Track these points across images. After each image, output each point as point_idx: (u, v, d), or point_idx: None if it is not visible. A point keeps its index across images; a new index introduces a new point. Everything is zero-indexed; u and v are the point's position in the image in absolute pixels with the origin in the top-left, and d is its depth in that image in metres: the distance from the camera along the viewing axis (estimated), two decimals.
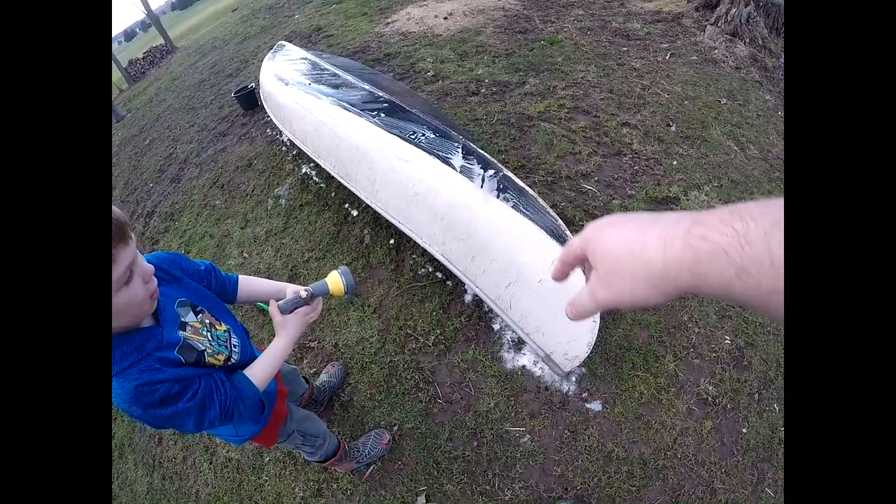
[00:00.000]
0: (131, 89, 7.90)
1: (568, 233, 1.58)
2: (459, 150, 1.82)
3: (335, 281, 0.98)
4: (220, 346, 0.89)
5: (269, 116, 3.65)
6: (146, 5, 9.31)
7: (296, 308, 0.96)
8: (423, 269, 2.05)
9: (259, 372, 0.91)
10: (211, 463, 1.78)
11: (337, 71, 2.67)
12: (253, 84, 4.04)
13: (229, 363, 0.89)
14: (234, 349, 0.92)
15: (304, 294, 0.96)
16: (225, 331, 0.92)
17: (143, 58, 9.23)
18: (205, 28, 11.66)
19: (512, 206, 1.56)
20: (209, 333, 0.87)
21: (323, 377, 1.77)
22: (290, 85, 2.43)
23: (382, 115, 2.01)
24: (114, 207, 0.66)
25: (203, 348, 0.83)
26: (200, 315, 0.88)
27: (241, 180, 3.13)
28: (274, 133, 3.44)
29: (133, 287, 0.70)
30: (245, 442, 1.07)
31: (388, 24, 5.05)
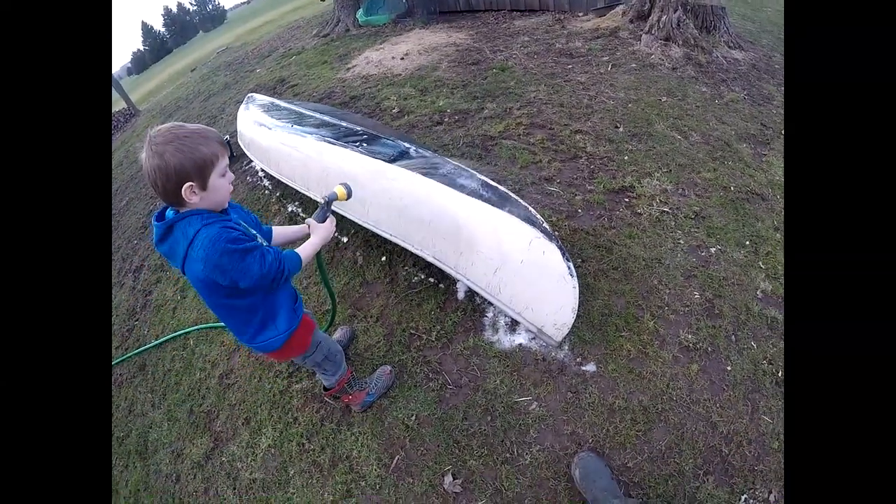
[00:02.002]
0: None
1: (539, 216, 1.79)
2: (438, 164, 2.04)
3: (340, 189, 1.42)
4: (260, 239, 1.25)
5: (248, 164, 3.83)
6: None
7: (323, 214, 1.37)
8: (416, 278, 2.21)
9: (301, 251, 1.27)
10: (234, 488, 1.81)
11: (313, 113, 2.89)
12: (227, 136, 4.21)
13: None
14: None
15: (322, 200, 1.38)
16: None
17: None
18: (165, 90, 11.84)
19: (489, 203, 1.77)
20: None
21: (336, 335, 2.05)
22: (273, 129, 2.63)
23: (364, 144, 2.22)
24: (214, 130, 1.09)
25: (253, 234, 1.19)
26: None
27: None
28: (255, 179, 3.60)
29: (227, 178, 1.10)
30: (288, 337, 1.32)
31: (348, 69, 5.38)
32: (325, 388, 1.67)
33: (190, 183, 1.02)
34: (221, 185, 1.09)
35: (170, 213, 1.10)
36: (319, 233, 1.35)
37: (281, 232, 1.46)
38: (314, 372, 1.97)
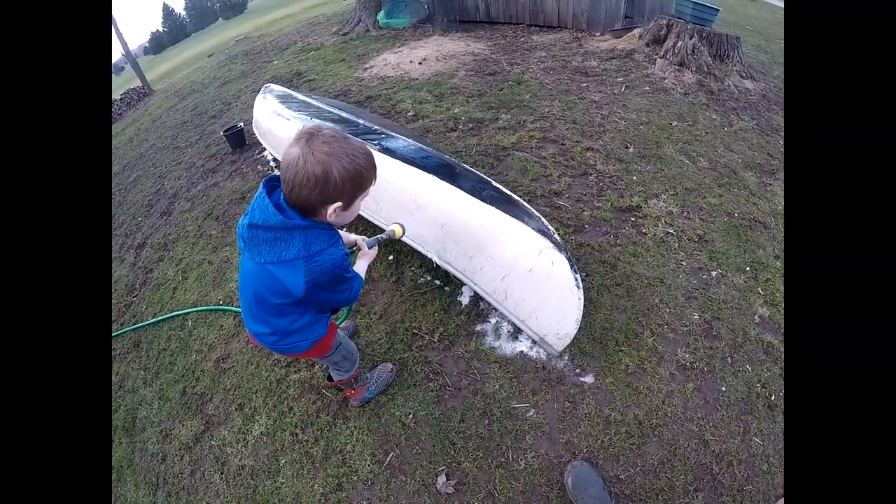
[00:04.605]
0: None
1: (551, 228, 1.81)
2: (454, 169, 2.06)
3: (397, 228, 1.51)
4: None
5: (260, 153, 3.86)
6: (124, 46, 9.42)
7: (375, 243, 1.44)
8: (422, 279, 2.22)
9: (361, 272, 1.31)
10: (222, 473, 1.80)
11: (331, 109, 2.92)
12: (241, 124, 4.24)
13: None
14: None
15: (383, 237, 1.48)
16: None
17: (120, 99, 9.24)
18: (181, 73, 11.88)
19: (502, 211, 1.79)
20: None
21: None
22: (291, 120, 2.65)
23: (383, 143, 2.25)
24: (370, 151, 1.01)
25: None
26: None
27: (236, 212, 3.26)
28: (265, 169, 3.62)
29: (361, 203, 1.06)
30: (313, 343, 1.30)
31: (366, 69, 5.43)
32: (329, 379, 1.67)
33: (339, 204, 0.97)
34: (358, 207, 1.05)
35: (290, 209, 0.99)
36: (368, 257, 1.39)
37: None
38: (314, 363, 1.98)
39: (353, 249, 1.41)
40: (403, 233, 1.54)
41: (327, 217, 0.98)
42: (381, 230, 2.04)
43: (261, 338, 1.25)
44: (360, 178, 0.96)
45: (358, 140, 0.99)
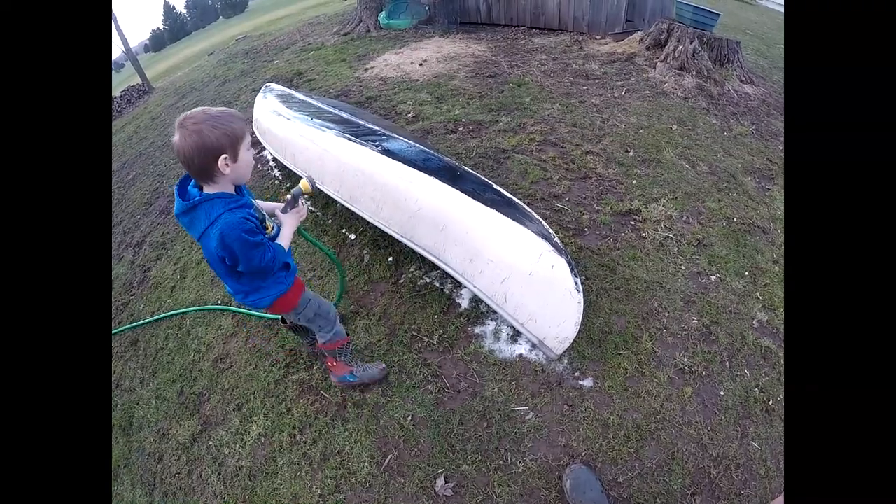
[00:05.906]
0: None
1: (551, 231, 1.82)
2: (455, 171, 2.07)
3: (304, 184, 1.50)
4: (268, 220, 1.43)
5: (260, 153, 3.85)
6: (125, 43, 9.37)
7: (289, 207, 1.46)
8: (421, 281, 2.23)
9: (282, 241, 1.41)
10: (219, 474, 1.80)
11: (331, 109, 2.92)
12: None
13: (272, 234, 1.43)
14: (273, 227, 1.46)
15: (289, 197, 1.47)
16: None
17: (120, 96, 9.21)
18: (181, 71, 11.85)
19: (503, 214, 1.79)
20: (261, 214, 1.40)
21: None
22: (292, 120, 2.65)
23: (383, 144, 2.25)
24: (236, 113, 1.19)
25: (263, 216, 1.38)
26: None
27: None
28: (265, 168, 3.62)
29: (251, 153, 1.22)
30: (275, 300, 1.46)
31: (366, 69, 5.43)
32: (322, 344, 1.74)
33: (225, 155, 1.13)
34: (247, 158, 1.22)
35: (193, 190, 1.23)
36: (288, 222, 1.48)
37: (260, 205, 1.54)
38: (312, 353, 1.98)
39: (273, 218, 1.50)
40: (313, 187, 1.53)
41: (222, 170, 1.15)
42: (382, 230, 2.05)
43: (232, 296, 1.45)
44: (231, 130, 1.14)
45: (223, 108, 1.19)
